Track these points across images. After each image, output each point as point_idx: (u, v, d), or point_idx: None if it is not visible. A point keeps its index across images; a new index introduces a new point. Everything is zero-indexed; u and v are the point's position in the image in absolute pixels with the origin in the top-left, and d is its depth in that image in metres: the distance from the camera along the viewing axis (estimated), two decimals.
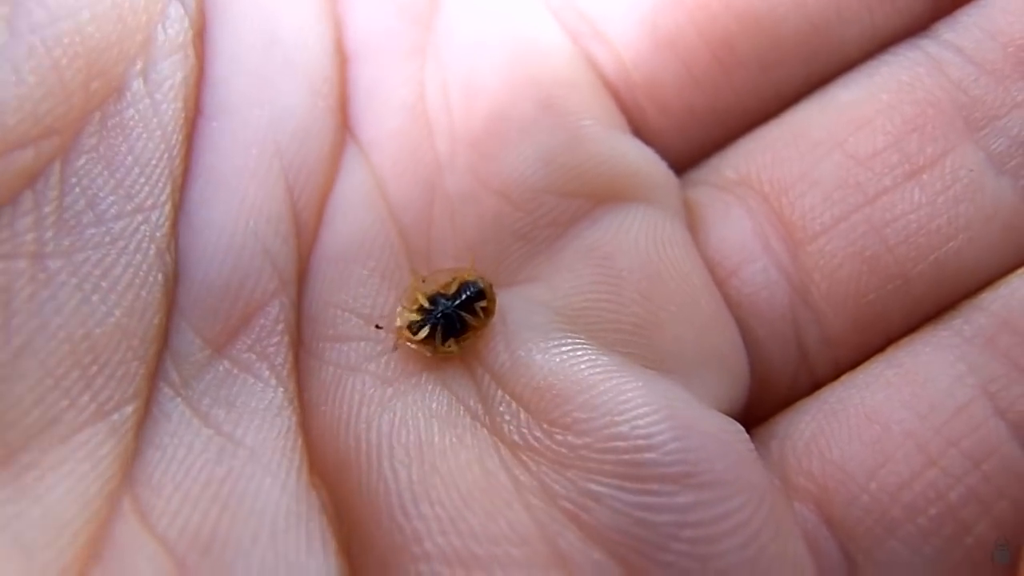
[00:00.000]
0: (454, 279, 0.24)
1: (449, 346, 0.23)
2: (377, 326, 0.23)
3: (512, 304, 0.23)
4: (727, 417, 0.22)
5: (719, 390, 0.23)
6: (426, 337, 0.22)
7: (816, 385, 0.24)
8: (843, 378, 0.24)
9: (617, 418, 0.21)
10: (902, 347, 0.24)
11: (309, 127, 0.24)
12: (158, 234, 0.22)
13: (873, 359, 0.24)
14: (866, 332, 0.24)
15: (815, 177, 0.25)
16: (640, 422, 0.21)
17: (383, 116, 0.26)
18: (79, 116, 0.21)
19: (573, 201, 0.25)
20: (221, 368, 0.22)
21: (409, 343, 0.22)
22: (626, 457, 0.20)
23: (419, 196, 0.25)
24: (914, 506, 0.21)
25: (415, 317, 0.23)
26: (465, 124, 0.26)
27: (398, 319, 0.23)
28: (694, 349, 0.24)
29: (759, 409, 0.25)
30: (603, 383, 0.21)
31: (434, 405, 0.22)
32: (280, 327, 0.23)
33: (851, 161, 0.25)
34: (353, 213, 0.24)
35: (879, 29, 0.26)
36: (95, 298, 0.21)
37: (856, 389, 0.23)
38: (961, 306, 0.24)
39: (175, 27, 0.23)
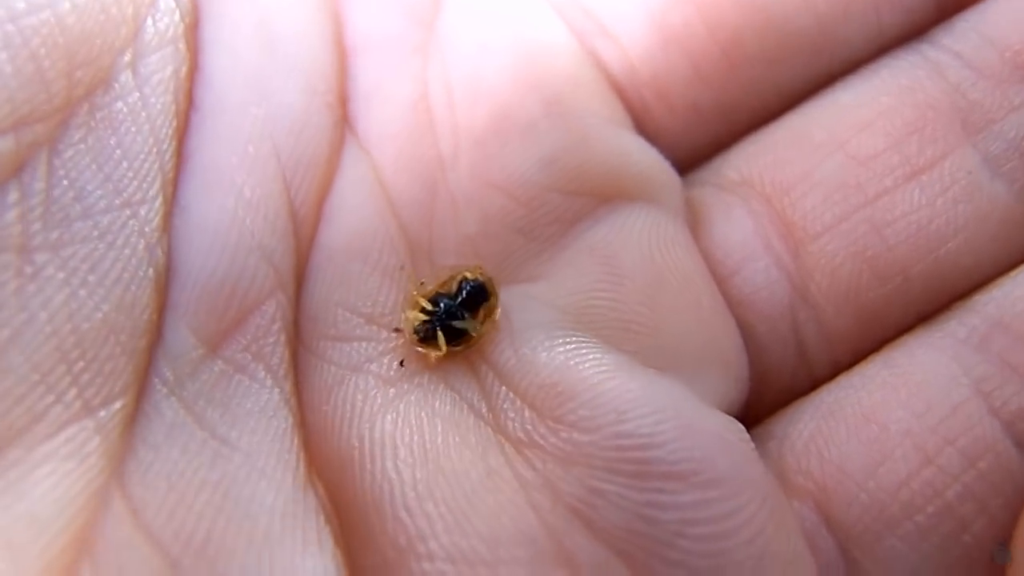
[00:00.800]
0: (452, 277, 0.23)
1: (457, 345, 0.22)
2: (396, 329, 0.23)
3: (516, 302, 0.23)
4: (729, 416, 0.22)
5: (721, 389, 0.23)
6: (434, 340, 0.22)
7: (815, 383, 0.25)
8: (840, 378, 0.24)
9: (622, 416, 0.21)
10: (898, 347, 0.24)
11: (307, 124, 0.24)
12: (147, 229, 0.21)
13: (869, 359, 0.24)
14: (865, 330, 0.24)
15: (817, 178, 0.25)
16: (645, 420, 0.21)
17: (385, 113, 0.25)
18: (63, 106, 0.20)
19: (577, 199, 0.25)
20: (216, 368, 0.21)
21: (419, 347, 0.22)
22: (631, 455, 0.20)
23: (421, 193, 0.25)
24: (912, 504, 0.22)
25: (421, 318, 0.22)
26: (468, 122, 0.25)
27: (404, 325, 0.22)
28: (696, 348, 0.24)
29: (758, 407, 0.25)
30: (608, 381, 0.21)
31: (437, 404, 0.22)
32: (277, 326, 0.22)
33: (852, 162, 0.25)
34: (354, 210, 0.24)
35: (884, 30, 0.27)
36: (83, 293, 0.20)
37: (853, 389, 0.24)
38: (955, 307, 0.24)
39: (165, 20, 0.22)
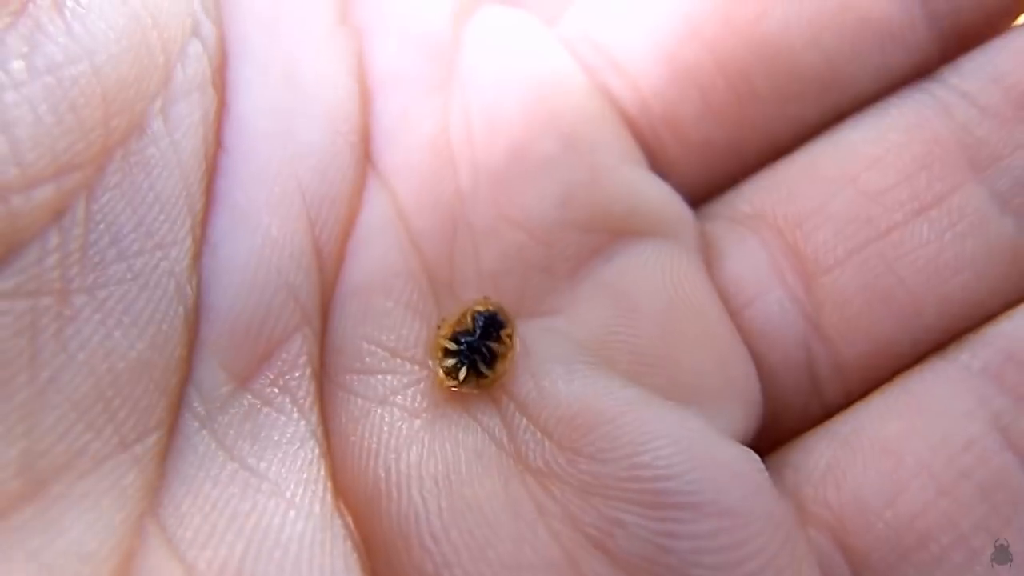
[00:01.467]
0: (464, 314, 0.24)
1: (487, 376, 0.23)
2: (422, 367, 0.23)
3: (535, 335, 0.24)
4: (743, 447, 0.23)
5: (735, 419, 0.24)
6: (465, 377, 0.23)
7: (827, 413, 0.25)
8: (855, 408, 0.25)
9: (639, 448, 0.21)
10: (912, 379, 0.24)
11: (330, 162, 0.25)
12: (177, 269, 0.22)
13: (883, 389, 0.25)
14: (877, 362, 0.25)
15: (828, 212, 0.26)
16: (662, 452, 0.21)
17: (406, 150, 0.26)
18: (100, 152, 0.21)
19: (592, 236, 0.25)
20: (245, 402, 0.22)
21: (453, 388, 0.23)
22: (648, 486, 0.21)
23: (442, 228, 0.25)
24: (927, 534, 0.22)
25: (449, 363, 0.23)
26: (487, 159, 0.26)
27: (437, 371, 0.23)
28: (711, 380, 0.24)
29: (772, 436, 0.25)
30: (626, 414, 0.22)
31: (460, 435, 0.22)
32: (302, 360, 0.23)
33: (862, 197, 0.26)
34: (376, 246, 0.25)
35: (891, 69, 0.27)
36: (117, 333, 0.21)
37: (870, 420, 0.24)
38: (967, 340, 0.25)
39: (194, 66, 0.23)
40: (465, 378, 0.23)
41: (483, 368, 0.23)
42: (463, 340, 0.23)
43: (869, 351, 0.25)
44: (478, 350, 0.23)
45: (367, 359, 0.23)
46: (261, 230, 0.23)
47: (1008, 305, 0.25)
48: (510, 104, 0.27)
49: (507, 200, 0.26)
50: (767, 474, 0.23)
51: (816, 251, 0.25)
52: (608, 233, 0.26)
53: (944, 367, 0.24)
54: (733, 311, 0.26)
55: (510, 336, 0.24)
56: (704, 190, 0.28)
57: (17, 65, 0.20)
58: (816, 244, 0.25)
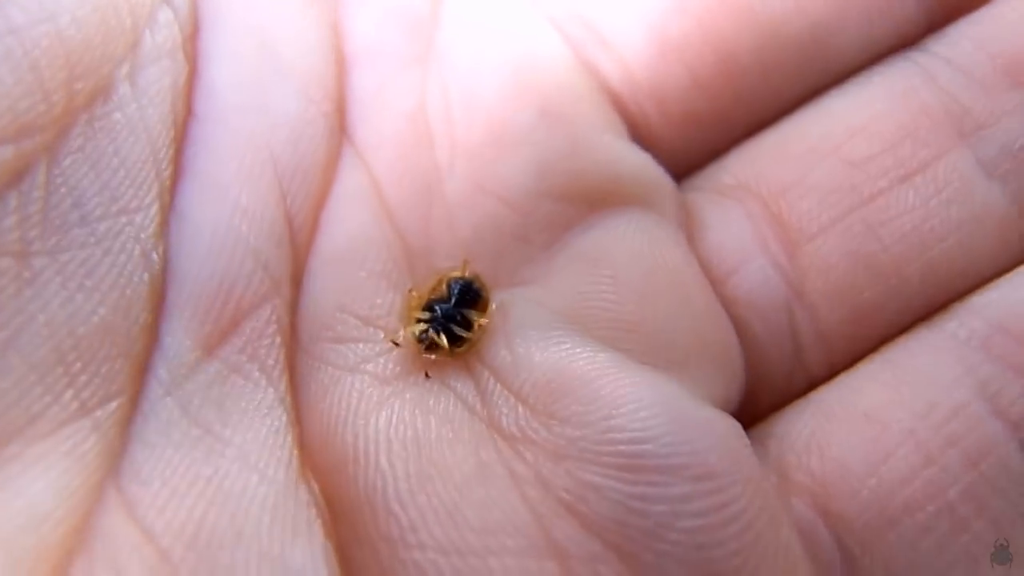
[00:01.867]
0: (440, 282, 0.24)
1: (461, 345, 0.23)
2: (394, 342, 0.23)
3: (510, 304, 0.23)
4: (721, 412, 0.22)
5: (715, 386, 0.24)
6: (437, 345, 0.22)
7: (811, 384, 0.25)
8: (840, 377, 0.24)
9: (615, 411, 0.21)
10: (898, 348, 0.24)
11: (303, 133, 0.24)
12: (143, 235, 0.22)
13: (868, 358, 0.24)
14: (860, 328, 0.25)
15: (812, 181, 0.25)
16: (638, 415, 0.21)
17: (382, 122, 0.26)
18: (62, 115, 0.21)
19: (570, 205, 0.25)
20: (212, 369, 0.22)
21: (427, 355, 0.22)
22: (623, 448, 0.20)
23: (417, 200, 0.25)
24: (913, 502, 0.22)
25: (420, 328, 0.23)
26: (465, 132, 0.26)
27: (408, 338, 0.23)
28: (689, 346, 0.24)
29: (755, 407, 0.25)
30: (601, 378, 0.21)
31: (432, 401, 0.22)
32: (272, 329, 0.22)
33: (846, 165, 0.25)
34: (351, 217, 0.24)
35: (876, 40, 0.27)
36: (79, 297, 0.20)
37: (855, 389, 0.24)
38: (954, 308, 0.24)
39: (164, 32, 0.23)
40: (438, 344, 0.22)
41: (459, 332, 0.23)
42: (437, 307, 0.23)
43: (853, 318, 0.25)
44: (452, 317, 0.23)
45: (339, 328, 0.23)
46: (231, 199, 0.23)
47: (995, 274, 0.24)
48: (489, 78, 0.26)
49: (484, 172, 0.25)
50: (746, 439, 0.22)
51: (800, 219, 0.25)
52: (586, 203, 0.25)
53: (930, 335, 0.24)
54: (716, 280, 0.25)
55: (486, 303, 0.23)
56: (690, 163, 0.28)
57: None
58: (800, 213, 0.25)
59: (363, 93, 0.26)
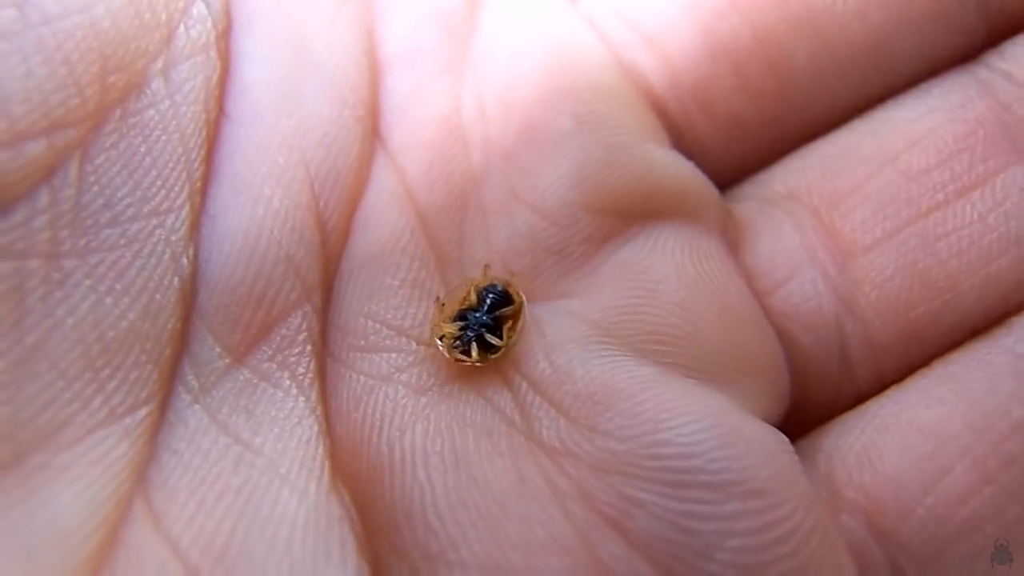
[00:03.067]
0: (469, 290, 0.23)
1: (496, 349, 0.22)
2: (426, 345, 0.22)
3: (548, 316, 0.23)
4: (770, 426, 0.22)
5: (759, 399, 0.23)
6: (469, 354, 0.22)
7: (859, 398, 0.24)
8: (892, 391, 0.23)
9: (661, 425, 0.20)
10: (953, 362, 0.23)
11: (336, 136, 0.24)
12: (173, 238, 0.21)
13: (922, 372, 0.23)
14: (913, 343, 0.24)
15: (866, 192, 0.25)
16: (685, 429, 0.20)
17: (416, 127, 0.25)
18: (96, 111, 0.20)
19: (607, 218, 0.24)
20: (241, 377, 0.21)
21: (462, 362, 0.22)
22: (670, 463, 0.20)
23: (451, 207, 0.24)
24: (971, 523, 0.21)
25: (455, 337, 0.22)
26: (500, 137, 0.25)
27: (439, 346, 0.22)
28: (733, 359, 0.23)
29: (802, 420, 0.24)
30: (645, 391, 0.21)
31: (469, 413, 0.21)
32: (302, 336, 0.22)
33: (902, 177, 0.25)
34: (383, 222, 0.24)
35: (936, 49, 0.26)
36: (109, 300, 0.20)
37: (908, 403, 0.23)
38: (1010, 323, 0.23)
39: (198, 27, 0.22)
40: (471, 351, 0.22)
41: (491, 339, 0.22)
42: (468, 314, 0.22)
43: (905, 333, 0.24)
44: (485, 323, 0.22)
45: (371, 336, 0.22)
46: (263, 202, 0.22)
47: None
48: (525, 82, 0.26)
49: (519, 180, 0.25)
50: (795, 454, 0.21)
51: (853, 231, 0.24)
52: (625, 216, 0.24)
53: (987, 350, 0.23)
54: (764, 292, 0.25)
55: (519, 310, 0.23)
56: (737, 170, 0.27)
57: (9, 14, 0.19)
58: (853, 224, 0.25)
59: (398, 97, 0.25)
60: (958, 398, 0.22)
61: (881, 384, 0.24)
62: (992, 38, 0.26)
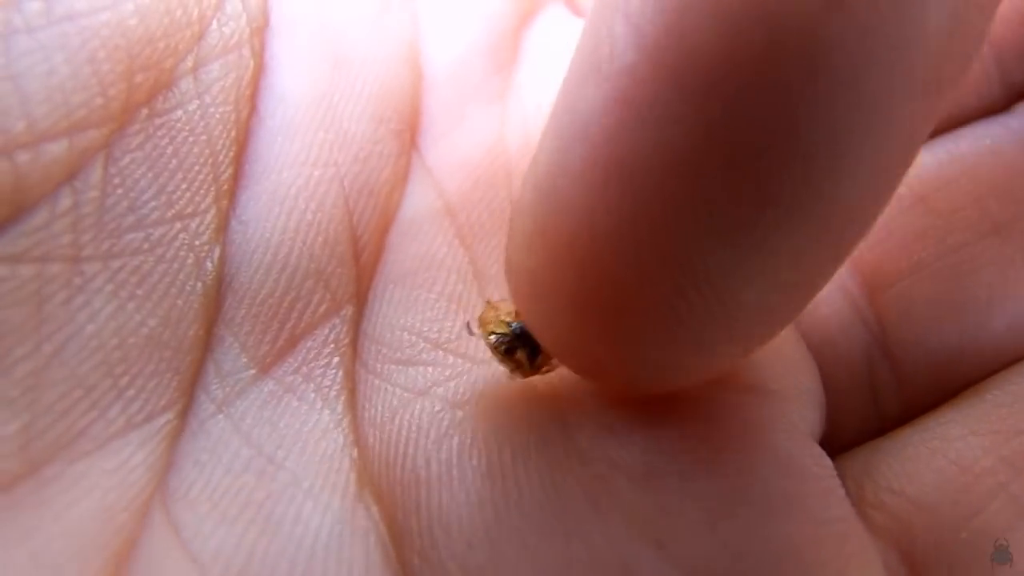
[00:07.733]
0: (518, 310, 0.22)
1: (537, 366, 0.21)
2: (469, 330, 0.21)
3: None
4: (818, 447, 0.21)
5: (806, 420, 0.22)
6: (515, 356, 0.21)
7: (883, 427, 0.24)
8: (922, 421, 0.23)
9: (709, 442, 0.19)
10: (983, 395, 0.23)
11: (372, 151, 0.23)
12: (197, 242, 0.20)
13: (952, 404, 0.23)
14: (941, 376, 0.24)
15: (895, 227, 0.25)
16: (734, 448, 0.19)
17: (457, 149, 0.25)
18: (121, 111, 0.20)
19: None
20: (266, 388, 0.20)
21: (502, 363, 0.21)
22: (719, 482, 0.19)
23: (492, 227, 0.24)
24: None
25: (503, 329, 0.21)
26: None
27: (488, 345, 0.21)
28: (780, 380, 0.22)
29: (829, 449, 0.23)
30: (694, 406, 0.20)
31: (506, 427, 0.20)
32: (329, 349, 0.21)
33: (932, 215, 0.25)
34: (421, 237, 0.23)
35: (961, 109, 0.26)
36: (130, 306, 0.19)
37: (939, 435, 0.22)
38: None
39: (231, 25, 0.22)
40: (517, 353, 0.21)
41: (532, 358, 0.21)
42: (515, 325, 0.21)
43: (934, 364, 0.24)
44: (529, 338, 0.21)
45: (408, 349, 0.22)
46: (295, 214, 0.22)
47: None
48: None
49: None
50: (838, 478, 0.21)
51: (882, 263, 0.24)
52: None
53: (1019, 383, 0.23)
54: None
55: None
56: None
57: (34, 7, 0.18)
58: (882, 257, 0.24)
59: (439, 115, 0.25)
60: (991, 431, 0.22)
61: (909, 415, 0.24)
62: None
